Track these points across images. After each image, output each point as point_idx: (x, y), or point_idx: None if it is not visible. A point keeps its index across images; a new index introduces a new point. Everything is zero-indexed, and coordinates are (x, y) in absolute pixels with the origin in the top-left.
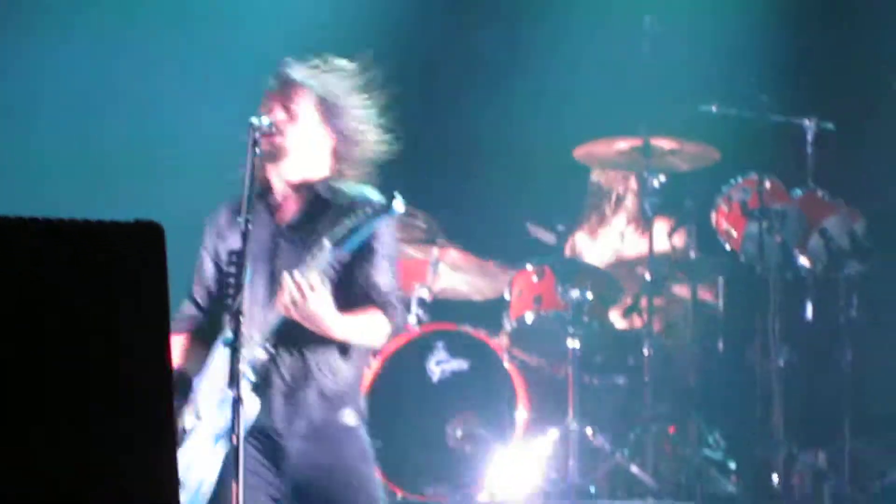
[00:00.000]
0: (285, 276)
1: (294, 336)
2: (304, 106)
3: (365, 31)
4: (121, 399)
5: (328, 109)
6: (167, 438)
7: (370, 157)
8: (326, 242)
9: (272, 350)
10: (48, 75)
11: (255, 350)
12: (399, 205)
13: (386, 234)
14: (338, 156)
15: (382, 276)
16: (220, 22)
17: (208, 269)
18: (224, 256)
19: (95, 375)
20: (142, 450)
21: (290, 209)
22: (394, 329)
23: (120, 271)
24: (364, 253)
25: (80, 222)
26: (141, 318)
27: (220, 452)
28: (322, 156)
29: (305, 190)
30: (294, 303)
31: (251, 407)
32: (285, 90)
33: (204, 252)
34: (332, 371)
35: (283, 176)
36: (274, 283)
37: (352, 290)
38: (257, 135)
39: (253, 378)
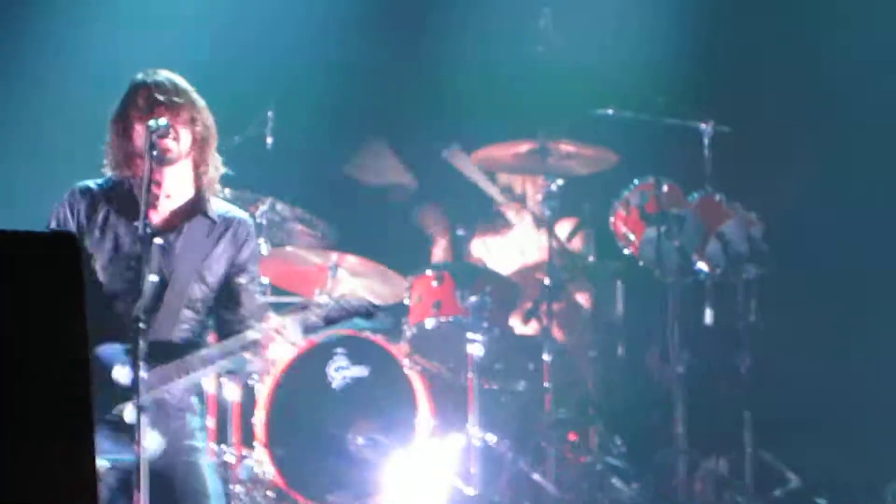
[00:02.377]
0: (271, 328)
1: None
2: (187, 116)
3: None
4: (40, 415)
5: (202, 121)
6: (87, 458)
7: (214, 181)
8: (299, 327)
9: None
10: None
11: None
12: (380, 319)
13: (255, 251)
14: (198, 174)
15: (257, 290)
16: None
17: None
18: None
19: (11, 389)
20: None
21: (164, 215)
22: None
23: (34, 283)
24: (245, 276)
25: None
26: (58, 328)
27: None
28: (188, 172)
29: (181, 204)
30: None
31: (153, 443)
32: (170, 97)
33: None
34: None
35: (164, 181)
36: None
37: (236, 312)
38: (154, 137)
39: (155, 408)
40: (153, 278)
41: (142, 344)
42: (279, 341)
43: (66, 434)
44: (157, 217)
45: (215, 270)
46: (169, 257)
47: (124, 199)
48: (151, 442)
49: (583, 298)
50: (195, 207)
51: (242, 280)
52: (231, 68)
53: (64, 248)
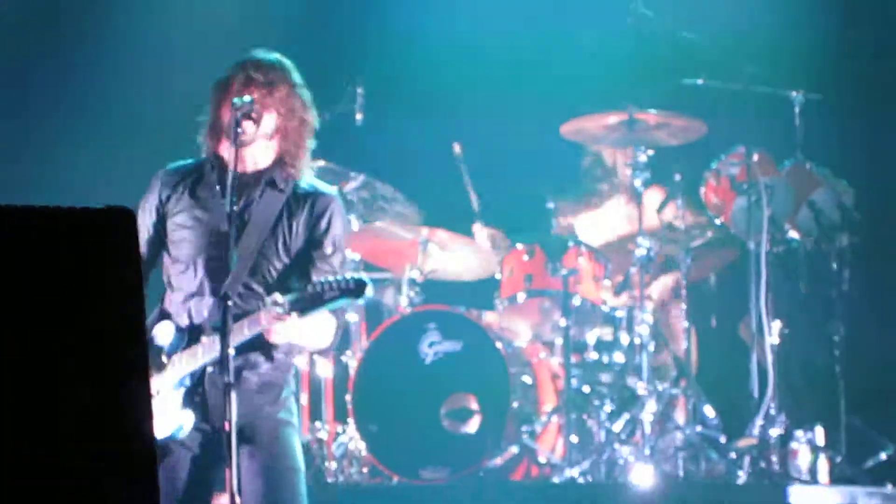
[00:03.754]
0: (266, 311)
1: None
2: (279, 96)
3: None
4: (99, 384)
5: (292, 104)
6: (145, 430)
7: (305, 156)
8: (287, 303)
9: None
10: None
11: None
12: (370, 292)
13: (339, 224)
14: (283, 149)
15: (332, 267)
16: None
17: (146, 227)
18: (164, 219)
19: (68, 371)
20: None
21: (244, 195)
22: (339, 323)
23: (91, 257)
24: (317, 246)
25: (49, 209)
26: (114, 305)
27: (180, 394)
28: (270, 146)
29: (257, 177)
30: (279, 333)
31: (185, 420)
32: (266, 76)
33: (145, 211)
34: (257, 365)
35: (241, 161)
36: (223, 268)
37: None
38: (239, 114)
39: (188, 383)
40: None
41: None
42: (278, 328)
43: (124, 406)
44: (235, 188)
45: (288, 244)
46: (238, 230)
47: (205, 177)
48: (185, 419)
49: (675, 269)
50: (265, 180)
51: (315, 255)
52: (321, 44)
53: (119, 222)
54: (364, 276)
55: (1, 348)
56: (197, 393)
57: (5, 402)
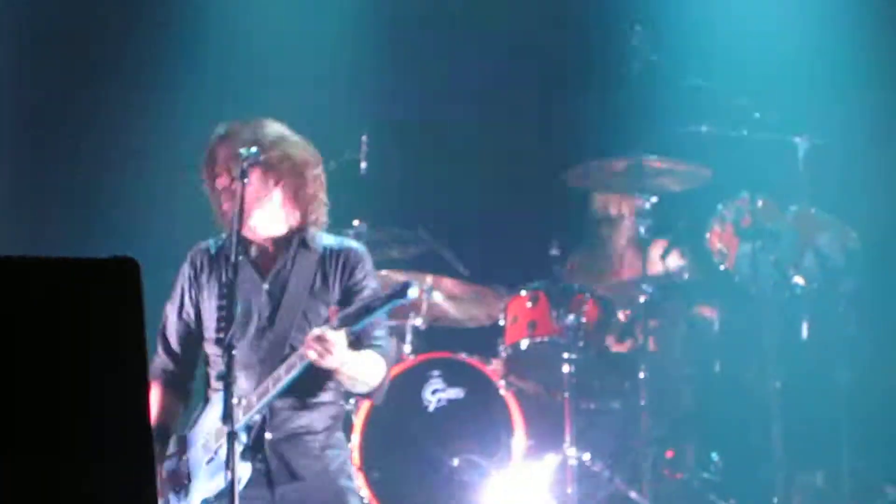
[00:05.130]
0: (311, 332)
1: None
2: (268, 167)
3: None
4: (100, 438)
5: (283, 170)
6: (148, 476)
7: (316, 214)
8: (336, 321)
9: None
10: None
11: (249, 411)
12: (414, 291)
13: (370, 272)
14: (300, 210)
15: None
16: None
17: (180, 316)
18: (198, 305)
19: (71, 416)
20: (123, 490)
21: (269, 260)
22: (387, 365)
23: (95, 309)
24: (362, 295)
25: (53, 260)
26: (117, 355)
27: None
28: (277, 212)
29: (281, 241)
30: (321, 356)
31: (243, 472)
32: (253, 156)
33: (176, 300)
34: (329, 419)
35: (256, 227)
36: (265, 335)
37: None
38: (245, 164)
39: (244, 440)
40: (260, 322)
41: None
42: (317, 346)
43: (126, 460)
44: (261, 257)
45: (329, 301)
46: (273, 295)
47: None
48: (243, 471)
49: (679, 315)
50: (296, 241)
51: (361, 296)
52: (323, 93)
53: (125, 272)
54: (411, 280)
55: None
56: (257, 457)
57: (6, 456)
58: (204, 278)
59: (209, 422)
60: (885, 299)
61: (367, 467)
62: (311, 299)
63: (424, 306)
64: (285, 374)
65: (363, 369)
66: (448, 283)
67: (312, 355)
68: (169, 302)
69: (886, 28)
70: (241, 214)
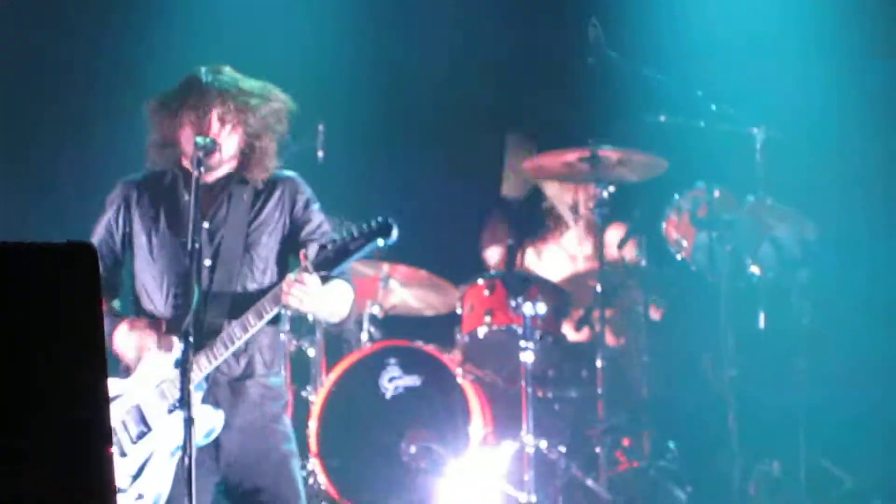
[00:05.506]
0: (285, 280)
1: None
2: (228, 113)
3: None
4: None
5: (241, 114)
6: (104, 460)
7: (271, 154)
8: (309, 265)
9: (216, 354)
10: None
11: (214, 360)
12: (395, 232)
13: (311, 198)
14: (244, 155)
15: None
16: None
17: (106, 240)
18: (129, 236)
19: (26, 401)
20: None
21: (211, 198)
22: (353, 292)
23: (51, 293)
24: (312, 224)
25: (8, 244)
26: (74, 339)
27: (174, 464)
28: (231, 157)
29: (221, 180)
30: (301, 300)
31: (216, 419)
32: (207, 98)
33: (101, 226)
34: (266, 365)
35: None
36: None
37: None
38: (201, 154)
39: (205, 386)
40: (206, 262)
41: (191, 354)
42: (297, 292)
43: (85, 445)
44: (202, 196)
45: (270, 230)
46: (215, 234)
47: (168, 191)
48: (217, 420)
49: (635, 305)
50: (234, 178)
51: (306, 231)
52: (281, 81)
53: (81, 258)
54: (389, 217)
55: None
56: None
57: None
58: (136, 213)
59: (163, 366)
60: (841, 289)
61: (324, 454)
62: (250, 232)
63: (381, 294)
64: (255, 320)
65: (336, 305)
66: (405, 270)
67: (294, 302)
68: (93, 233)
69: (842, 19)
70: (198, 202)
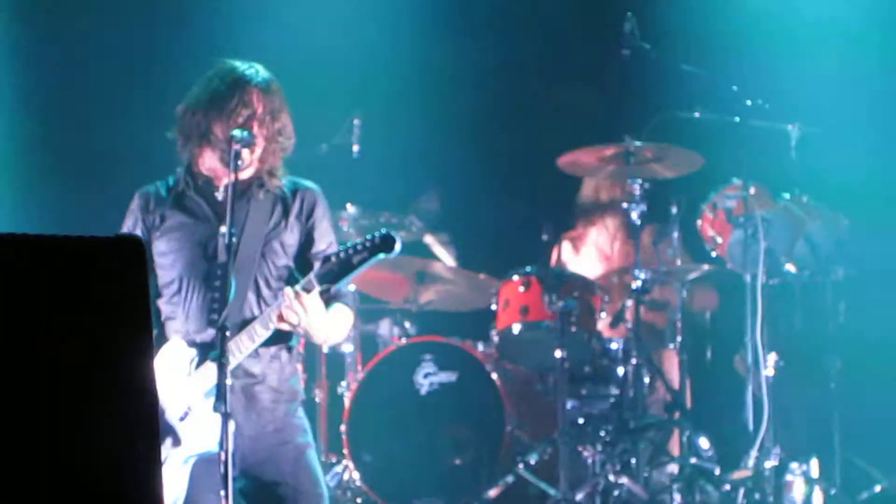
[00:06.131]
0: (286, 294)
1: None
2: (277, 125)
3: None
4: (107, 414)
5: (277, 121)
6: (153, 448)
7: (280, 162)
8: (313, 278)
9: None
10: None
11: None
12: (399, 245)
13: (326, 212)
14: (268, 162)
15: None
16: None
17: None
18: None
19: (79, 394)
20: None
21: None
22: (354, 317)
23: (100, 287)
24: (324, 240)
25: (58, 238)
26: (123, 334)
27: (187, 471)
28: (258, 156)
29: (241, 184)
30: (299, 317)
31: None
32: (251, 95)
33: (128, 228)
34: (280, 368)
35: (217, 170)
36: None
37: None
38: (238, 147)
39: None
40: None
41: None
42: (297, 308)
43: (132, 440)
44: (219, 200)
45: (286, 241)
46: (236, 239)
47: (186, 197)
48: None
49: (671, 302)
50: (255, 183)
51: (315, 248)
52: (317, 75)
53: (129, 251)
54: (392, 231)
55: (5, 384)
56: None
57: (8, 435)
58: (153, 220)
59: (170, 374)
60: (876, 287)
61: (357, 450)
62: (268, 240)
63: (416, 289)
64: (262, 330)
65: (333, 327)
66: (439, 267)
67: (292, 318)
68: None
69: (879, 15)
70: (234, 194)
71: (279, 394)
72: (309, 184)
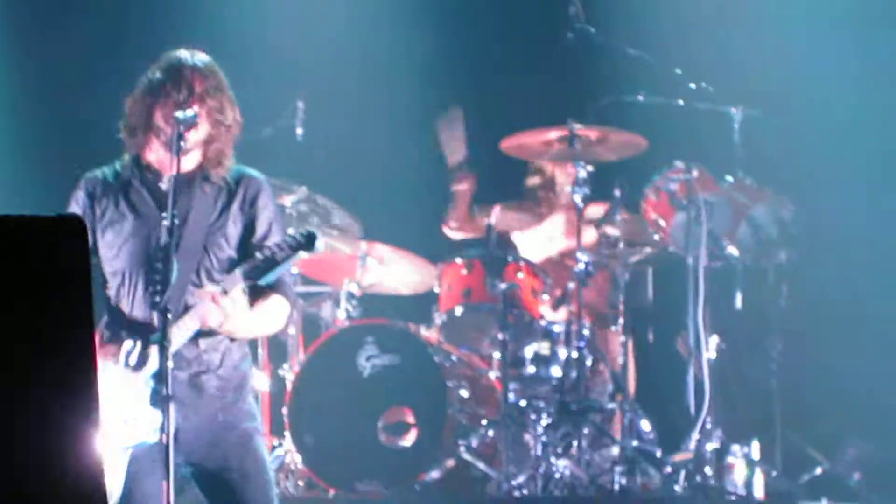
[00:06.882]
0: (204, 293)
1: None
2: (215, 105)
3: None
4: (47, 396)
5: (226, 109)
6: (92, 436)
7: (229, 149)
8: (238, 274)
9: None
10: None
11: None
12: (321, 244)
13: (272, 204)
14: (214, 149)
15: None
16: None
17: None
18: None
19: (13, 381)
20: (65, 449)
21: (179, 197)
22: (292, 307)
23: (41, 266)
24: (255, 230)
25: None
26: (64, 312)
27: (125, 461)
28: (196, 150)
29: (190, 178)
30: (219, 320)
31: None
32: (188, 77)
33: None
34: (224, 358)
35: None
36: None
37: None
38: (182, 128)
39: (153, 385)
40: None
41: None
42: (215, 312)
43: (72, 420)
44: (162, 190)
45: (230, 233)
46: (178, 230)
47: (132, 185)
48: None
49: (612, 284)
50: (200, 177)
51: (254, 240)
52: (261, 58)
53: (69, 230)
54: (313, 229)
55: None
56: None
57: None
58: (99, 209)
59: (114, 374)
60: (818, 270)
61: (299, 433)
62: (211, 232)
63: (359, 272)
64: (192, 323)
65: (261, 324)
66: (382, 248)
67: (214, 322)
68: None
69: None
70: (178, 177)
71: (226, 381)
72: (253, 172)
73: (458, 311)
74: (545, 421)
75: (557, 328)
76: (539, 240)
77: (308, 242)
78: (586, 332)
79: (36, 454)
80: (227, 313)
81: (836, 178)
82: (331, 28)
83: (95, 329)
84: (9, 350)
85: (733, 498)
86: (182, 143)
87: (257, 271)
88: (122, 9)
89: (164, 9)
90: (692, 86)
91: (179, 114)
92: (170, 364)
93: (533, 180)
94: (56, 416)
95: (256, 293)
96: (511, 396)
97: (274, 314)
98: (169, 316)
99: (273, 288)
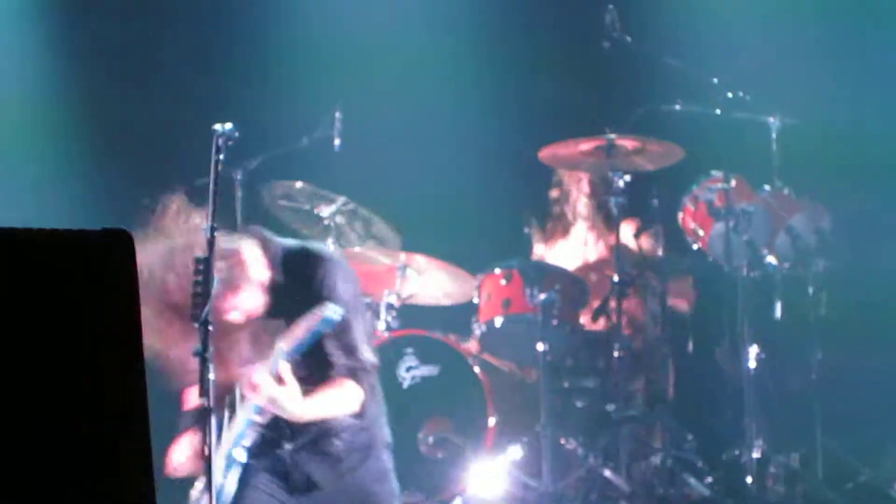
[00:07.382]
0: (255, 376)
1: None
2: None
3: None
4: (97, 410)
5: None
6: (143, 446)
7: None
8: (282, 346)
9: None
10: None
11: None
12: (336, 313)
13: (346, 292)
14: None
15: (347, 339)
16: None
17: None
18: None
19: (66, 391)
20: (116, 458)
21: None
22: (367, 390)
23: (88, 281)
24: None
25: (44, 232)
26: (112, 326)
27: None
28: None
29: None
30: (270, 401)
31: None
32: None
33: None
34: (342, 431)
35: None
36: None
37: (320, 360)
38: (221, 141)
39: (244, 459)
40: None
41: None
42: (281, 393)
43: (121, 437)
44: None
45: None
46: None
47: None
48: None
49: (652, 294)
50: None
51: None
52: (299, 69)
53: (117, 244)
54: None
55: None
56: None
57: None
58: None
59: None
60: (857, 279)
61: None
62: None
63: (398, 283)
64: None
65: (327, 410)
66: (421, 259)
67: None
68: None
69: (860, 8)
70: (216, 188)
71: (349, 443)
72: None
73: (498, 321)
74: (585, 431)
75: (597, 338)
76: (577, 249)
77: (329, 320)
78: (626, 341)
79: (84, 467)
80: (271, 396)
81: (873, 186)
82: (368, 38)
83: (142, 344)
84: (55, 367)
85: None
86: (220, 156)
87: (293, 347)
88: (163, 20)
89: (199, 25)
90: (729, 95)
91: (218, 127)
92: (211, 376)
93: (553, 193)
94: (105, 434)
95: (323, 370)
96: (551, 406)
97: (338, 400)
98: (210, 328)
99: (345, 372)
